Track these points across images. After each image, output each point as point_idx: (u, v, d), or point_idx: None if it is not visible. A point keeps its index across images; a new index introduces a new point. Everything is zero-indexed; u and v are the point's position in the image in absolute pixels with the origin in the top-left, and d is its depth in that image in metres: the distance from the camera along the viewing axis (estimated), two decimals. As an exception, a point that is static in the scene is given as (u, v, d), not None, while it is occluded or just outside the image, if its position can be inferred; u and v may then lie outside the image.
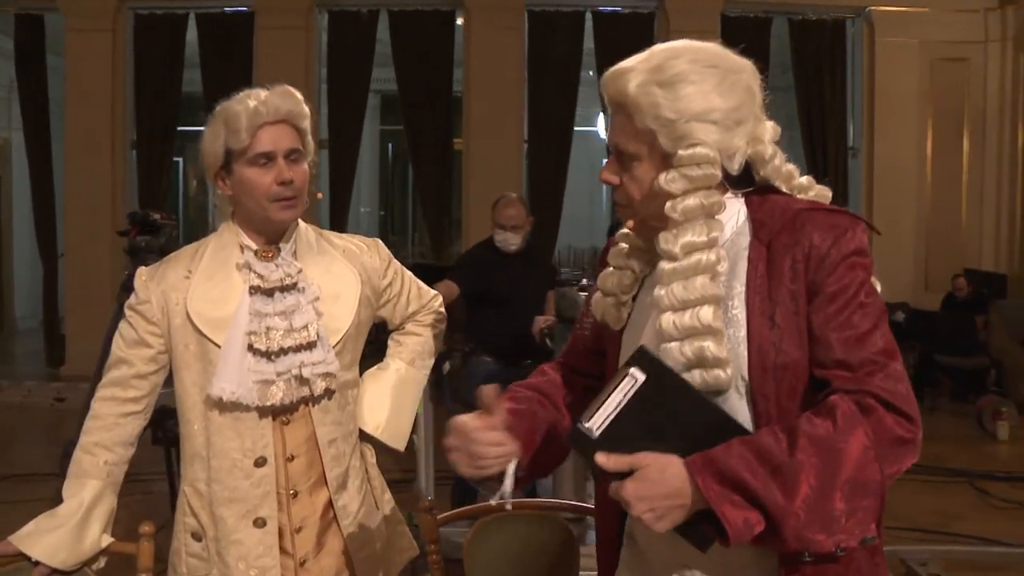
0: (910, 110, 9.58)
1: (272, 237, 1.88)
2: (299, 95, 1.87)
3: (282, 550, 1.86)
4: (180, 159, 11.72)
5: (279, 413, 1.85)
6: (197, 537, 1.88)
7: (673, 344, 1.31)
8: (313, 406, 1.87)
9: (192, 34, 9.35)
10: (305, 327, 1.84)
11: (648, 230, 1.40)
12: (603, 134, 10.95)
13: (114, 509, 1.90)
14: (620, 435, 1.24)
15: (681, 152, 1.32)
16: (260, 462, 1.84)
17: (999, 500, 5.44)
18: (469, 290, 4.46)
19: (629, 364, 1.26)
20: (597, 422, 1.24)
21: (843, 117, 9.66)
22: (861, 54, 9.70)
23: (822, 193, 1.43)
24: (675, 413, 1.25)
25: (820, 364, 1.30)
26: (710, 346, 1.28)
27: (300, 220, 1.95)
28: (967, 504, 5.32)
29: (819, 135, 9.57)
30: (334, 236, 2.02)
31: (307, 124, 1.87)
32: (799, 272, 1.31)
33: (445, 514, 2.14)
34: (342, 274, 1.93)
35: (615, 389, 1.25)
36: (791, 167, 1.42)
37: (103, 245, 8.98)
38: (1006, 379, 8.29)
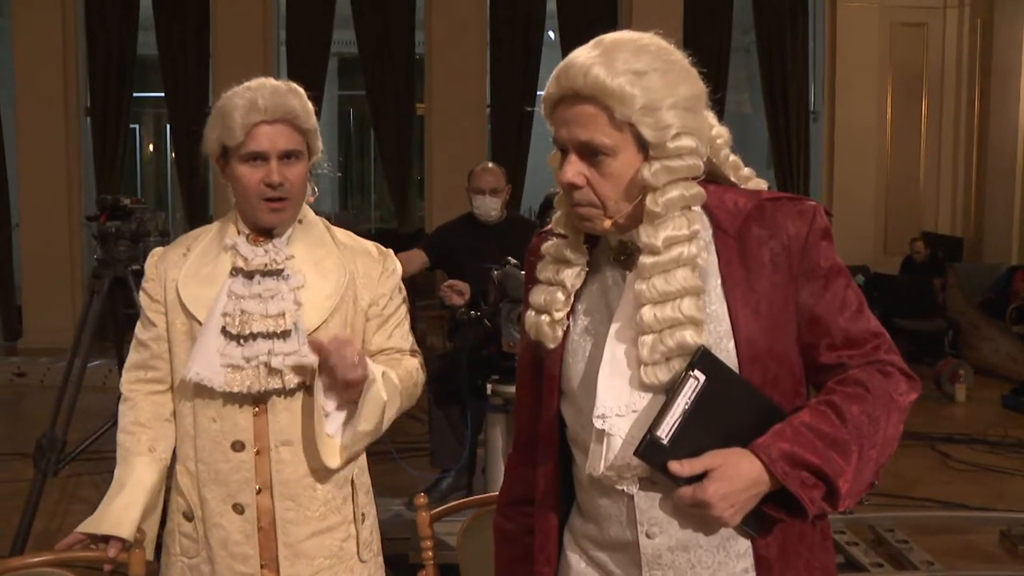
0: (870, 74, 9.66)
1: (264, 231, 1.85)
2: (301, 92, 1.81)
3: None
4: (136, 126, 11.45)
5: (257, 401, 1.80)
6: (188, 517, 1.87)
7: (650, 336, 1.30)
8: (284, 399, 1.80)
9: (145, -5, 9.09)
10: (281, 315, 1.78)
11: (618, 230, 1.37)
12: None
13: (162, 482, 1.89)
14: (687, 438, 1.26)
15: (669, 144, 1.29)
16: (237, 446, 1.81)
17: (958, 462, 5.59)
18: (439, 262, 4.40)
19: (690, 367, 1.27)
20: (666, 430, 1.26)
21: (804, 80, 9.68)
22: (823, 17, 9.74)
23: (760, 184, 1.45)
24: (730, 408, 1.29)
25: (830, 346, 1.36)
26: (691, 335, 1.29)
27: (310, 210, 1.92)
28: (928, 467, 5.47)
29: (780, 98, 9.60)
30: (342, 234, 1.96)
31: (310, 123, 1.81)
32: (780, 263, 1.35)
33: (439, 508, 2.14)
34: (332, 268, 1.87)
35: (679, 394, 1.26)
36: (736, 158, 1.43)
37: (59, 215, 8.87)
38: (963, 341, 8.47)
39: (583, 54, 1.30)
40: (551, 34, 9.91)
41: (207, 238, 1.90)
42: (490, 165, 4.58)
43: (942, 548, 4.11)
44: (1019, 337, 8.07)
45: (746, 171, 1.44)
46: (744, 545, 1.36)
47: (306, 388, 1.80)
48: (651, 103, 1.28)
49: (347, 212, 13.82)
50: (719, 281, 1.35)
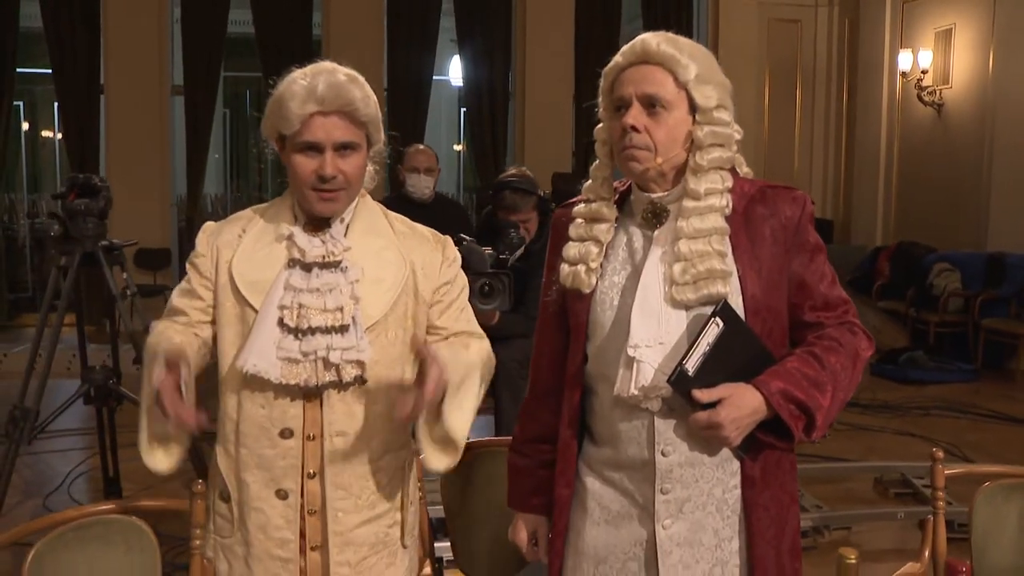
0: (749, 66, 10.23)
1: (318, 219, 1.81)
2: (363, 82, 1.78)
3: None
4: (20, 103, 10.95)
5: (311, 393, 1.78)
6: (224, 498, 1.86)
7: (683, 263, 1.60)
8: (339, 392, 1.79)
9: (30, -33, 8.77)
10: (339, 309, 1.76)
11: (657, 175, 1.66)
12: (456, 83, 11.05)
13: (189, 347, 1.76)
14: (706, 372, 1.55)
15: (713, 113, 1.62)
16: (286, 434, 1.79)
17: (837, 423, 6.10)
18: None
19: (713, 315, 1.56)
20: (692, 364, 1.54)
21: (688, 71, 10.13)
22: (706, 9, 10.26)
23: (749, 174, 1.77)
24: (738, 350, 1.57)
25: (812, 307, 1.68)
26: (717, 263, 1.60)
27: (367, 196, 1.90)
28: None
29: (665, 87, 10.00)
30: (400, 221, 1.93)
31: (369, 114, 1.77)
32: (778, 238, 1.66)
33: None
34: (391, 259, 1.84)
35: (703, 336, 1.55)
36: (740, 155, 1.75)
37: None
38: (833, 316, 9.12)
39: (652, 36, 1.64)
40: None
41: (262, 221, 1.86)
42: (422, 146, 4.80)
43: (828, 495, 4.60)
44: (884, 312, 8.80)
45: (745, 167, 1.75)
46: (736, 465, 1.67)
47: (361, 381, 1.79)
48: (703, 76, 1.62)
49: (236, 194, 13.62)
50: (730, 248, 1.64)
